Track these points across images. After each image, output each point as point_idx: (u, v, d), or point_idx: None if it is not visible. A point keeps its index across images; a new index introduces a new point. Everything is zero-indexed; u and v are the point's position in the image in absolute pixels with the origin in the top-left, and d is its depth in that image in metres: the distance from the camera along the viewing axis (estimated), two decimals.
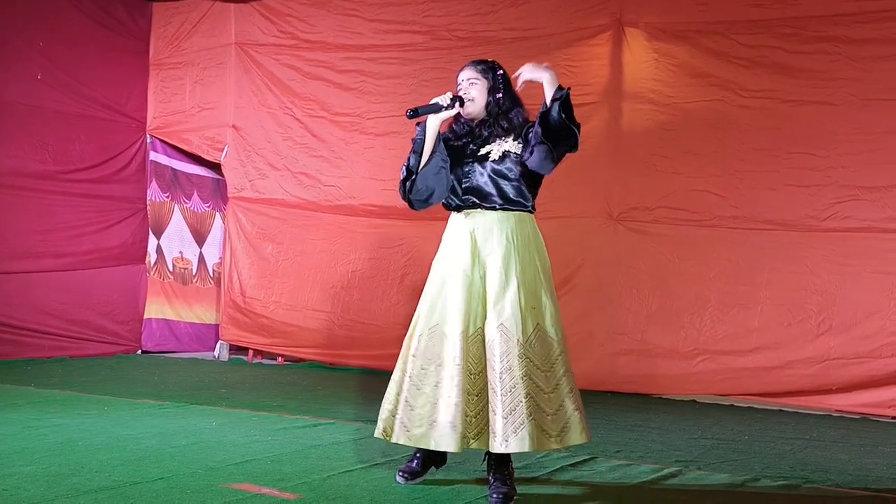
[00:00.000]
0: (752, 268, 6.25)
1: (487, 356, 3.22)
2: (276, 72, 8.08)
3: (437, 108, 3.38)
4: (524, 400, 3.13)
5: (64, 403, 5.20)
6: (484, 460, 3.43)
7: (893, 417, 5.73)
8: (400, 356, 3.45)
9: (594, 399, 6.21)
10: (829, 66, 6.08)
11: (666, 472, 3.89)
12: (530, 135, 3.31)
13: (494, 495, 3.22)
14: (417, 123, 3.45)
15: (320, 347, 7.76)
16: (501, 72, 3.47)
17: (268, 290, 8.00)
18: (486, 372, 3.23)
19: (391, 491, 3.36)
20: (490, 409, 3.17)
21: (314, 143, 7.89)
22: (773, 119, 6.25)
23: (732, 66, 6.35)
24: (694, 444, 4.62)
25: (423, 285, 3.51)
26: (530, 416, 3.13)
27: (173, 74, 8.58)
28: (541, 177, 3.43)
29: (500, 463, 3.31)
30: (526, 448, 3.12)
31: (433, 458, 3.54)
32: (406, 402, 3.32)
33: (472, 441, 3.27)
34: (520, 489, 3.39)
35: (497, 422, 3.13)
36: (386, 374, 3.58)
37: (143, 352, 8.36)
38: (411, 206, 3.48)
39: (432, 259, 3.53)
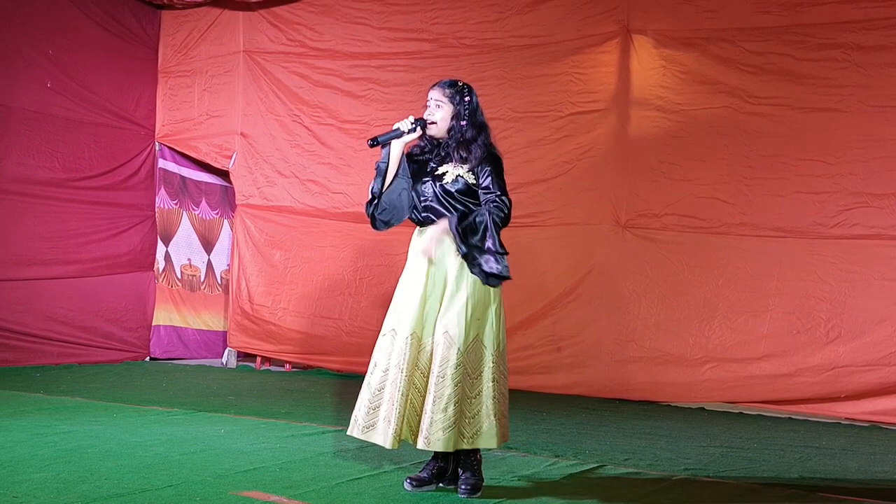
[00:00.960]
0: (760, 275, 6.23)
1: (423, 360, 3.41)
2: (285, 79, 8.10)
3: (398, 134, 3.51)
4: (453, 407, 3.33)
5: (73, 410, 5.22)
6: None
7: None
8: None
9: (602, 406, 6.21)
10: (838, 73, 6.07)
11: (675, 479, 3.88)
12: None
13: (463, 486, 3.41)
14: (383, 147, 3.53)
15: (328, 354, 7.77)
16: (469, 98, 3.51)
17: (276, 297, 8.01)
18: (417, 373, 3.41)
19: (399, 498, 3.36)
20: (423, 409, 3.37)
21: (322, 150, 7.91)
22: (781, 126, 6.24)
23: (740, 73, 6.35)
24: (703, 452, 4.61)
25: None
26: (455, 422, 3.34)
27: (182, 82, 8.61)
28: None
29: (467, 455, 3.46)
30: (444, 449, 3.35)
31: (443, 472, 3.56)
32: (360, 397, 3.52)
33: (408, 438, 3.42)
34: (527, 497, 3.39)
35: (425, 421, 3.35)
36: None
37: (151, 358, 8.38)
38: (374, 225, 3.63)
39: None
